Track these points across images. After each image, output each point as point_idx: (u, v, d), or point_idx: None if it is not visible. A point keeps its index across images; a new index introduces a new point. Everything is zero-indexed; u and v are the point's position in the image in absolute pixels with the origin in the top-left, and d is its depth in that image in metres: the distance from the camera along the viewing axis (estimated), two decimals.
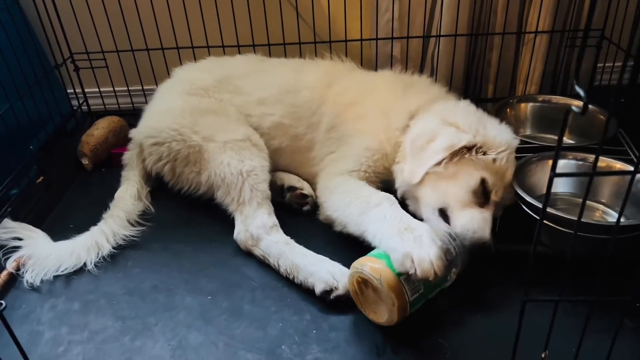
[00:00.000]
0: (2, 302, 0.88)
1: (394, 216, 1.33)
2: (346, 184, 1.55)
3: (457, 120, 1.49)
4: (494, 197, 1.43)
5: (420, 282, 1.23)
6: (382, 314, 1.25)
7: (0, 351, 0.84)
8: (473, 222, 1.39)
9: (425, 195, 1.49)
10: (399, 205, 1.39)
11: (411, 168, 1.49)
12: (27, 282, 1.46)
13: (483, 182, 1.42)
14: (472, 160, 1.43)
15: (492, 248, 1.37)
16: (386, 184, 1.62)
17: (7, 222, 1.59)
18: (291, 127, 1.77)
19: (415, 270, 1.18)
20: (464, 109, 1.58)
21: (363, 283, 1.28)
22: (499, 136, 1.48)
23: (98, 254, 1.55)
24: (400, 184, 1.56)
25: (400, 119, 1.61)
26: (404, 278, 1.21)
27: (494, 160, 1.44)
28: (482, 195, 1.42)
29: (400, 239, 1.25)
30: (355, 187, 1.51)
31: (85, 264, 1.52)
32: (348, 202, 1.48)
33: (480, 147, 1.44)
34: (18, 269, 1.50)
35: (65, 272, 1.50)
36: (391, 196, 1.43)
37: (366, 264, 1.25)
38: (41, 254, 1.51)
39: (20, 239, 1.55)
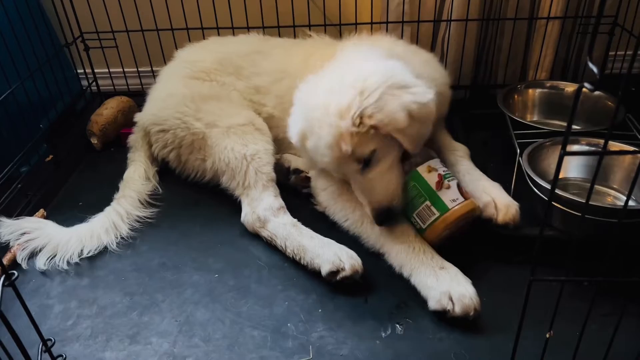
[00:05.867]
0: (14, 272, 0.89)
1: (424, 251, 1.35)
2: (346, 193, 1.52)
3: None
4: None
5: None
6: None
7: (11, 323, 0.86)
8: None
9: None
10: (421, 237, 1.39)
11: None
12: (39, 268, 1.45)
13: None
14: None
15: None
16: None
17: (5, 221, 1.51)
18: (280, 120, 1.71)
19: (454, 306, 1.22)
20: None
21: None
22: None
23: (116, 234, 1.56)
24: None
25: None
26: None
27: None
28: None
29: (435, 278, 1.28)
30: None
31: (106, 246, 1.52)
32: (360, 217, 1.47)
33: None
34: (14, 258, 1.48)
35: (89, 254, 1.50)
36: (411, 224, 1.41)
37: None
38: (62, 239, 1.50)
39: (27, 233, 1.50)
